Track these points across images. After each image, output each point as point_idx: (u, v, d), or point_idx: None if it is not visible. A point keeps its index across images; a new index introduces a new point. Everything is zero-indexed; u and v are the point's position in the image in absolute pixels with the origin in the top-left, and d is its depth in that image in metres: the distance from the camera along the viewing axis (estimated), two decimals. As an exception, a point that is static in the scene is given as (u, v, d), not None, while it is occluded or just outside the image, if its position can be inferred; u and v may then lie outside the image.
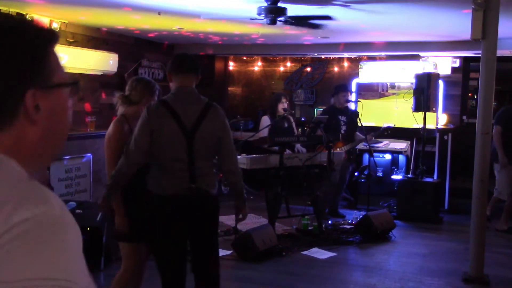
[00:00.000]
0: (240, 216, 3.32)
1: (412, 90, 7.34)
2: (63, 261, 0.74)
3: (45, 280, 0.70)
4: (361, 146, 7.57)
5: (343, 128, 7.01)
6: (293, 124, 6.80)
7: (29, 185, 0.80)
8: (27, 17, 5.81)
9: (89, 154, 6.01)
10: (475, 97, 8.48)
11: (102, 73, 7.17)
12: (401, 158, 8.08)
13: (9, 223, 0.72)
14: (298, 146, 6.67)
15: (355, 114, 7.11)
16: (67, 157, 5.81)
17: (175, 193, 3.00)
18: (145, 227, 3.13)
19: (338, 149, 6.75)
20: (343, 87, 7.21)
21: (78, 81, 0.90)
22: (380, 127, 7.50)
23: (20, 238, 0.71)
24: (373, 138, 7.01)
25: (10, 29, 0.85)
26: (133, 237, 3.28)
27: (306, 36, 7.35)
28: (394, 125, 7.53)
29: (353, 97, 7.78)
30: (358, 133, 7.16)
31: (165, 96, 3.16)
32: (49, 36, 0.90)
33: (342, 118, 7.03)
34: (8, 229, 0.72)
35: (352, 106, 7.54)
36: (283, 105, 6.49)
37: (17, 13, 5.75)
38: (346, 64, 9.42)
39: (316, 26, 5.97)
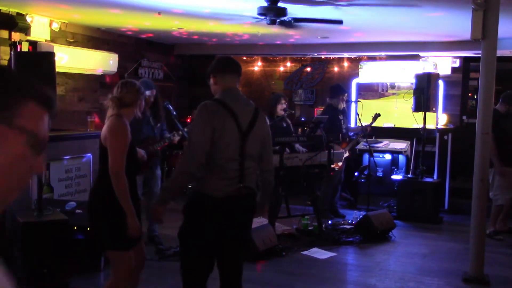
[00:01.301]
0: (258, 210, 3.33)
1: (412, 90, 7.34)
2: None
3: None
4: (361, 146, 7.57)
5: (343, 127, 7.04)
6: (291, 125, 6.82)
7: None
8: (27, 17, 5.81)
9: (89, 154, 6.01)
10: (475, 97, 8.48)
11: (102, 73, 7.17)
12: (401, 158, 8.08)
13: None
14: (297, 146, 6.67)
15: (347, 112, 7.26)
16: (67, 157, 5.81)
17: (228, 194, 3.00)
18: (195, 227, 3.07)
19: (342, 149, 6.79)
20: (342, 90, 7.21)
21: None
22: (380, 127, 7.52)
23: None
24: (369, 129, 7.04)
25: None
26: (126, 244, 3.18)
27: (306, 35, 7.36)
28: (395, 125, 7.54)
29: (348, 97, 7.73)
30: (349, 126, 7.26)
31: (218, 96, 3.09)
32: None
33: (342, 118, 7.06)
34: None
35: (352, 106, 7.55)
36: (282, 106, 6.49)
37: (17, 13, 5.75)
38: (346, 64, 9.42)
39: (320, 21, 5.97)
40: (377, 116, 7.03)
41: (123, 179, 3.08)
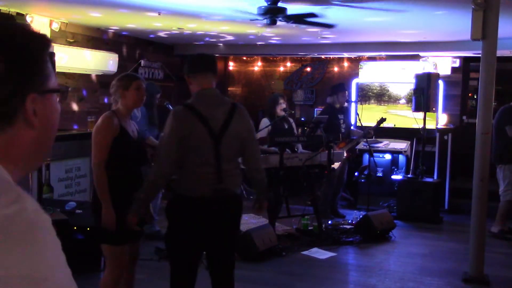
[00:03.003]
0: (257, 207, 3.35)
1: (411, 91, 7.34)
2: (35, 258, 0.74)
3: (17, 277, 0.71)
4: (361, 146, 7.57)
5: (342, 127, 7.03)
6: (293, 124, 6.79)
7: (2, 185, 0.80)
8: (26, 16, 5.81)
9: (89, 154, 6.00)
10: (475, 97, 8.48)
11: (102, 73, 7.17)
12: (401, 158, 8.08)
13: None
14: (300, 148, 6.66)
15: (348, 112, 7.21)
16: (67, 157, 5.81)
17: (204, 195, 2.97)
18: (174, 228, 3.09)
19: (339, 149, 6.76)
20: (343, 87, 7.21)
21: (68, 87, 0.91)
22: (380, 127, 7.48)
23: None
24: (372, 132, 7.00)
25: (10, 35, 0.87)
26: (120, 239, 3.22)
27: (305, 35, 7.36)
28: (395, 125, 7.54)
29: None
30: (356, 129, 7.19)
31: (189, 100, 3.07)
32: (44, 42, 0.92)
33: (341, 117, 7.05)
34: None
35: (352, 105, 7.54)
36: (281, 106, 6.48)
37: (17, 13, 5.75)
38: (346, 64, 9.42)
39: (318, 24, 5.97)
40: (382, 120, 7.01)
41: (102, 172, 3.23)
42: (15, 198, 0.78)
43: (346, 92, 7.21)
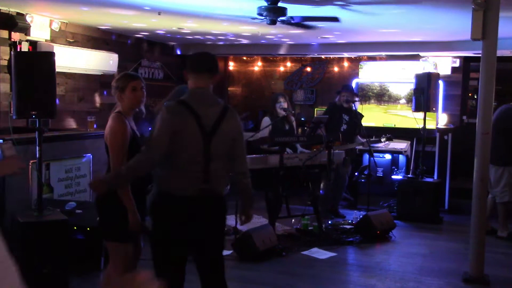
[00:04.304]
0: (244, 218, 3.27)
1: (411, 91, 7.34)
2: None
3: None
4: (361, 146, 7.55)
5: (344, 126, 6.99)
6: (294, 124, 6.78)
7: None
8: (26, 16, 5.81)
9: (89, 154, 6.00)
10: (475, 97, 8.48)
11: (102, 73, 7.17)
12: (401, 158, 8.08)
13: None
14: (300, 149, 6.64)
15: (359, 115, 7.13)
16: (67, 157, 5.81)
17: (189, 194, 2.96)
18: (154, 226, 3.07)
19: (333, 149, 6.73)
20: (345, 87, 7.20)
21: None
22: (381, 127, 7.51)
23: None
24: (369, 145, 6.90)
25: None
26: (124, 236, 3.22)
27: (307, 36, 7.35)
28: (395, 125, 7.53)
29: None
30: (359, 136, 7.13)
31: (183, 97, 3.07)
32: None
33: (345, 117, 7.01)
34: None
35: (358, 106, 7.52)
36: (280, 105, 6.47)
37: (17, 13, 5.75)
38: (346, 64, 9.42)
39: (311, 27, 5.97)
40: (389, 138, 6.98)
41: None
42: None
43: (349, 93, 7.09)
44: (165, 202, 3.01)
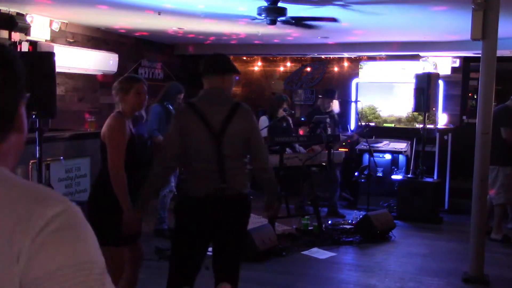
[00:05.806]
0: (269, 212, 3.34)
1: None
2: (89, 247, 0.90)
3: (73, 265, 0.85)
4: (361, 146, 7.57)
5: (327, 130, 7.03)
6: (290, 122, 6.80)
7: (36, 186, 0.92)
8: (26, 16, 5.81)
9: (89, 154, 6.00)
10: (475, 97, 8.47)
11: (102, 73, 7.17)
12: (401, 158, 8.07)
13: (41, 218, 0.84)
14: (299, 148, 6.66)
15: (339, 118, 7.34)
16: (67, 157, 5.81)
17: (207, 195, 2.99)
18: (179, 227, 3.13)
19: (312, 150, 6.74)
20: (332, 94, 7.32)
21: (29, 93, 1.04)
22: (381, 127, 7.51)
23: (58, 232, 0.85)
24: (357, 137, 6.99)
25: (8, 52, 0.96)
26: (116, 240, 3.19)
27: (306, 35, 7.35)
28: (395, 125, 7.53)
29: (335, 102, 7.47)
30: (343, 135, 7.22)
31: (193, 99, 3.13)
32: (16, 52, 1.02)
33: (328, 121, 7.08)
34: (45, 225, 0.84)
35: (359, 105, 7.56)
36: (285, 109, 6.51)
37: (17, 13, 5.75)
38: (346, 64, 9.42)
39: (312, 27, 5.97)
40: (366, 126, 7.04)
41: (123, 175, 3.15)
42: (58, 195, 0.91)
43: (333, 101, 7.23)
44: (185, 204, 3.10)
